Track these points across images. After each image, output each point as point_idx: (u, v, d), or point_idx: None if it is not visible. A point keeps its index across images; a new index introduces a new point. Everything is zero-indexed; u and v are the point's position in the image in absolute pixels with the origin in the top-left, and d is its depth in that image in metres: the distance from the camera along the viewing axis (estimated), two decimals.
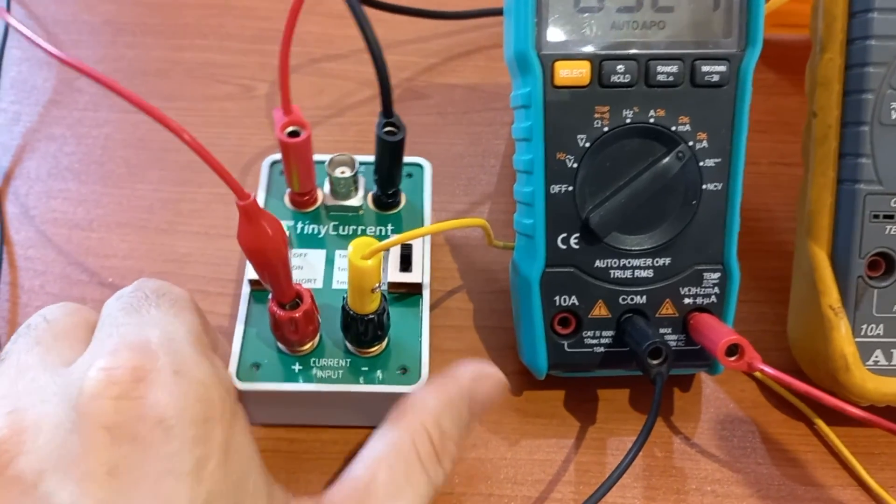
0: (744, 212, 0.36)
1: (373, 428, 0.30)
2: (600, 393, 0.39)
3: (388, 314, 0.34)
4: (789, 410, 0.38)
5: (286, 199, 0.40)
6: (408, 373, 0.34)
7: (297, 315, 0.32)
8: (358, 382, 0.34)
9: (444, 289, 0.42)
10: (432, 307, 0.41)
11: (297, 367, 0.34)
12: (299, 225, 0.39)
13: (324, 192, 0.40)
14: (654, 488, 0.36)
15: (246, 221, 0.27)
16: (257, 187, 0.40)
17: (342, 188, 0.40)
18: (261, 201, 0.40)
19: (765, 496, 0.36)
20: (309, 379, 0.34)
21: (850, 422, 0.37)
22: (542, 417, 0.38)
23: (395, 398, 0.31)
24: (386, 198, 0.40)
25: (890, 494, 0.35)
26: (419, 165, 0.42)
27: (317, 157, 0.39)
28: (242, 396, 0.33)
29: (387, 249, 0.32)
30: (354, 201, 0.40)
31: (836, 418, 0.37)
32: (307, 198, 0.40)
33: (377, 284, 0.31)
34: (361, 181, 0.40)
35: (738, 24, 0.34)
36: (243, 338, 0.34)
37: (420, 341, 0.35)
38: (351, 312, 0.32)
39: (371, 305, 0.32)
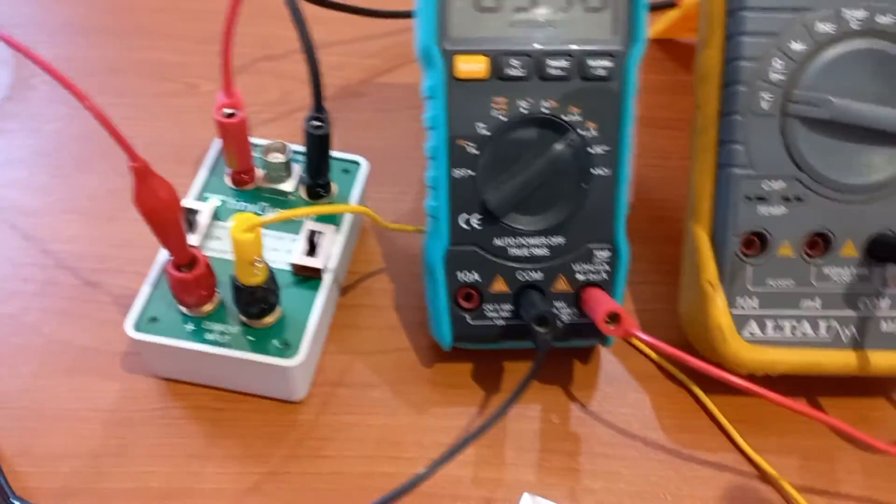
0: (653, 202, 0.39)
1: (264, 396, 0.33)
2: (506, 365, 0.42)
3: (275, 291, 0.37)
4: (677, 382, 0.41)
5: (226, 178, 0.43)
6: (289, 348, 0.37)
7: (188, 277, 0.35)
8: (240, 349, 0.36)
9: (368, 270, 0.45)
10: (352, 287, 0.44)
11: (190, 327, 0.37)
12: (232, 201, 0.42)
13: (260, 175, 0.43)
14: (551, 451, 0.39)
15: (139, 183, 0.31)
16: (199, 167, 0.43)
17: (275, 172, 0.43)
18: (202, 177, 0.43)
19: (651, 458, 0.39)
20: (199, 340, 0.37)
21: (728, 391, 0.40)
22: (451, 387, 0.41)
23: (275, 369, 0.35)
24: (316, 187, 0.43)
25: (763, 458, 0.38)
26: (356, 163, 0.45)
27: (256, 141, 0.42)
28: (140, 347, 0.37)
29: (265, 225, 0.35)
30: (286, 186, 0.43)
31: (714, 388, 0.40)
32: (245, 177, 0.43)
33: (258, 258, 0.34)
34: (295, 169, 0.44)
35: (623, 23, 0.37)
36: (149, 295, 0.38)
37: (308, 321, 0.38)
38: (237, 283, 0.36)
39: (255, 278, 0.35)
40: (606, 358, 0.42)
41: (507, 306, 0.39)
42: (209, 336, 0.37)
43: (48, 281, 0.44)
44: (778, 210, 0.37)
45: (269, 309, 0.37)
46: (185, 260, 0.35)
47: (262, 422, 0.39)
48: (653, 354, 0.42)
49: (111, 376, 0.40)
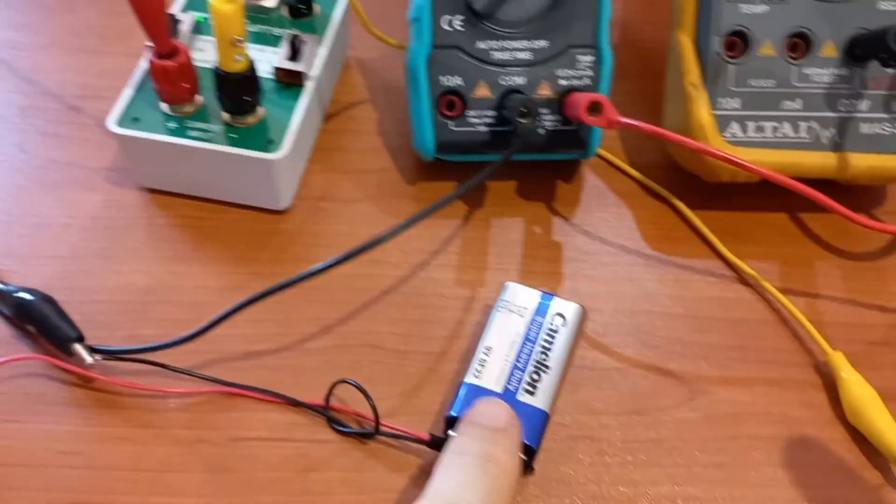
0: (637, 42, 0.38)
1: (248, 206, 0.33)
2: (489, 184, 0.42)
3: (256, 84, 0.37)
4: (660, 199, 0.42)
5: None
6: (272, 144, 0.37)
7: (171, 64, 0.35)
8: (223, 144, 0.36)
9: (352, 100, 0.45)
10: (336, 115, 0.44)
11: (172, 125, 0.37)
12: None
13: None
14: (532, 257, 0.39)
15: None
16: None
17: None
18: None
19: (632, 263, 0.39)
20: (181, 135, 0.37)
21: (711, 205, 0.41)
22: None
23: (258, 164, 0.35)
24: (298, 4, 0.43)
25: (744, 263, 0.39)
26: None
27: None
28: (123, 147, 0.37)
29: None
30: (268, 2, 0.42)
31: (698, 203, 0.41)
32: None
33: (239, 38, 0.34)
34: None
35: None
36: (131, 98, 0.38)
37: (290, 121, 0.38)
38: (219, 70, 0.36)
39: (238, 64, 0.35)
40: (590, 178, 0.42)
41: (491, 112, 0.39)
42: (191, 133, 0.37)
43: (31, 105, 0.43)
44: (759, 8, 0.37)
45: (252, 105, 0.37)
46: (168, 48, 0.35)
47: (247, 229, 0.39)
48: (636, 174, 0.42)
49: (95, 188, 0.40)
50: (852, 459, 0.34)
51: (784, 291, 0.38)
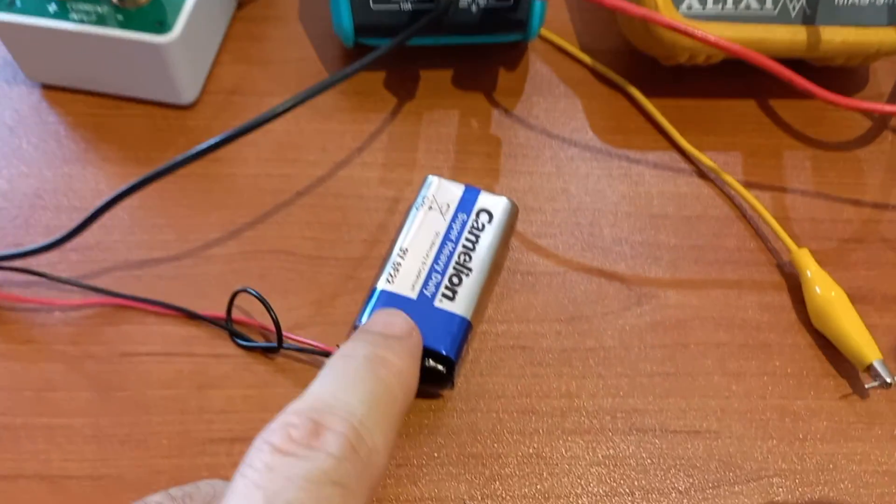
0: None
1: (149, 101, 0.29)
2: (423, 73, 0.37)
3: None
4: (613, 86, 0.37)
5: None
6: (163, 26, 0.32)
7: None
8: (108, 27, 0.32)
9: None
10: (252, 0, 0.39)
11: (53, 7, 0.32)
12: None
13: None
14: (468, 153, 0.35)
15: None
16: None
17: None
18: None
19: (578, 158, 0.35)
20: (63, 17, 0.32)
21: (669, 93, 0.37)
22: (360, 95, 0.37)
23: (147, 49, 0.31)
24: None
25: (704, 155, 0.35)
26: None
27: None
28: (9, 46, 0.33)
29: None
30: None
31: (654, 90, 0.36)
32: None
33: None
34: None
35: None
36: None
37: (185, 4, 0.33)
38: None
39: None
40: (536, 65, 0.38)
41: None
42: (74, 15, 0.32)
43: None
44: None
45: None
46: None
47: (148, 127, 0.35)
48: (587, 59, 0.38)
49: None
50: (817, 367, 0.31)
51: (747, 185, 0.34)
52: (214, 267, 0.32)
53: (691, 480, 0.28)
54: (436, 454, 0.28)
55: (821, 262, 0.32)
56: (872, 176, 0.35)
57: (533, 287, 0.32)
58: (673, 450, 0.29)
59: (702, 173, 0.35)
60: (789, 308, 0.32)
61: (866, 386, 0.29)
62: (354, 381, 0.22)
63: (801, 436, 0.29)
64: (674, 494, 0.28)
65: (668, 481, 0.28)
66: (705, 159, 0.34)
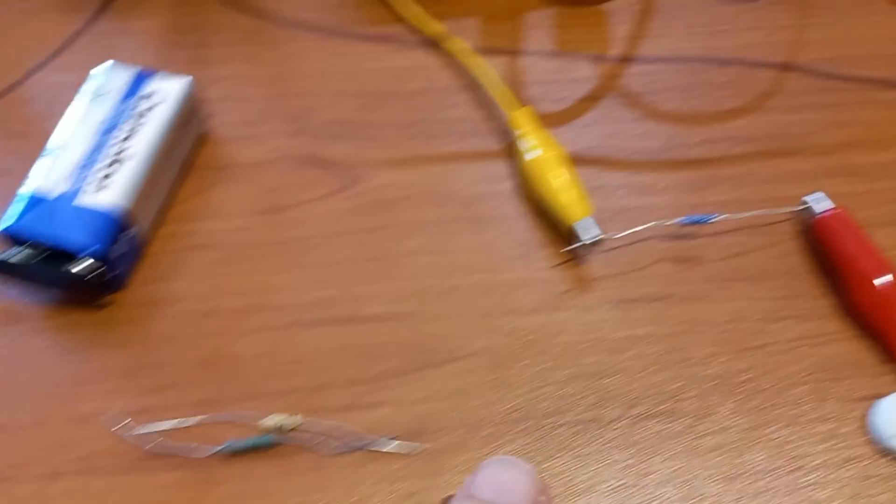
0: None
1: None
2: None
3: None
4: None
5: None
6: None
7: None
8: None
9: None
10: None
11: None
12: None
13: None
14: (176, 45, 0.32)
15: None
16: None
17: None
18: None
19: (296, 39, 0.32)
20: None
21: None
22: None
23: None
24: None
25: (441, 23, 0.31)
26: None
27: None
28: None
29: None
30: None
31: None
32: None
33: None
34: None
35: None
36: None
37: None
38: None
39: None
40: None
41: None
42: None
43: None
44: None
45: None
46: None
47: None
48: None
49: None
50: (529, 238, 0.28)
51: (482, 52, 0.31)
52: None
53: (383, 367, 0.26)
54: (102, 369, 0.26)
55: (552, 124, 0.29)
56: (620, 29, 0.32)
57: (230, 181, 0.29)
58: (369, 337, 0.26)
59: (432, 44, 0.32)
60: (512, 178, 0.29)
61: (561, 251, 0.26)
62: None
63: (506, 309, 0.27)
64: (359, 385, 0.25)
65: (356, 370, 0.26)
66: (431, 29, 0.31)
